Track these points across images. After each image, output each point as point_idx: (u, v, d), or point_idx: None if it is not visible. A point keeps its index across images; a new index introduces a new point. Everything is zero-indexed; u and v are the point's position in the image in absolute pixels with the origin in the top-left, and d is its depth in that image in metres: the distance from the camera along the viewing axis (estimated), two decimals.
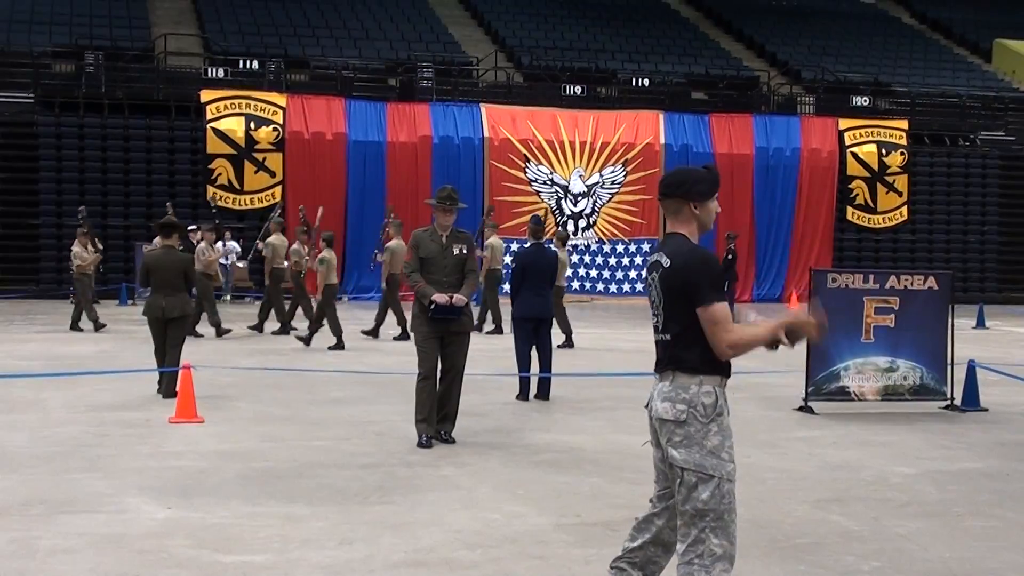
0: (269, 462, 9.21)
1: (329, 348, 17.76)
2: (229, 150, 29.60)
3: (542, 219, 14.69)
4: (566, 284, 19.97)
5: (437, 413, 10.11)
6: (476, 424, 11.07)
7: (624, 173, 31.94)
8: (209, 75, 31.90)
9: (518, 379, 13.06)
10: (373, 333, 19.58)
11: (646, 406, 5.07)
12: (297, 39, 36.08)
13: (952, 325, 12.83)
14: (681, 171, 5.17)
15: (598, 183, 31.84)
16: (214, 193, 28.92)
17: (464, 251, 10.22)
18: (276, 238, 20.47)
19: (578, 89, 33.91)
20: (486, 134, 30.99)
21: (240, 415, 11.55)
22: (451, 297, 9.91)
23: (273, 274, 20.27)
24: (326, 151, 29.92)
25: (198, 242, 20.25)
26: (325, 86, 32.35)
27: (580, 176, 31.73)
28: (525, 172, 31.34)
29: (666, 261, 4.94)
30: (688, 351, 4.88)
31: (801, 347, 6.08)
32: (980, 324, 24.77)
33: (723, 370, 4.95)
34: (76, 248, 21.40)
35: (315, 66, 34.07)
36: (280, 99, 30.19)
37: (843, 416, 12.13)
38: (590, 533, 7.21)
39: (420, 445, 9.88)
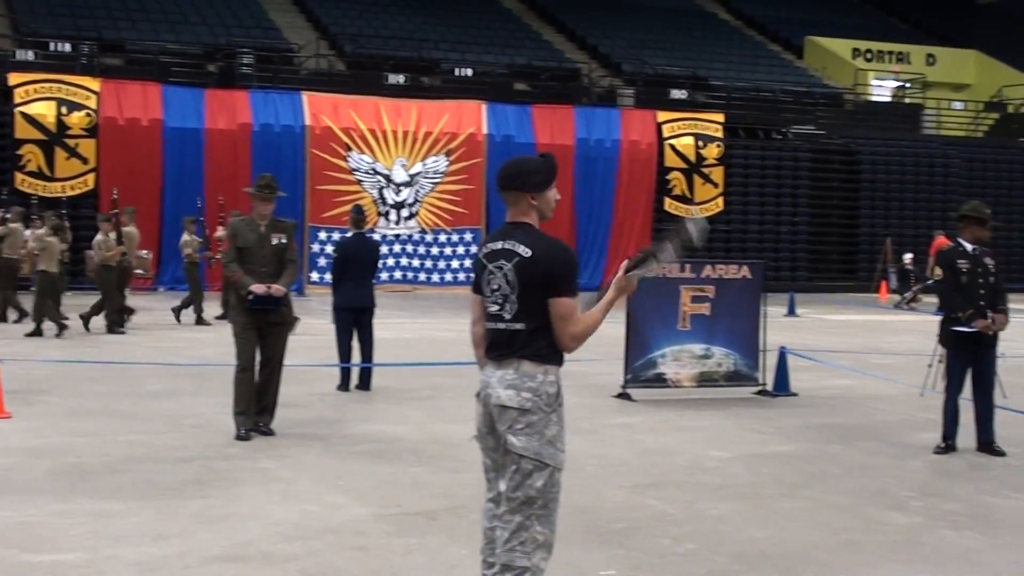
0: (81, 457, 8.96)
1: (27, 335, 17.48)
2: (39, 135, 28.61)
3: (363, 209, 14.59)
4: None
5: (256, 405, 9.97)
6: (296, 415, 10.95)
7: (447, 163, 31.97)
8: (17, 57, 30.79)
9: (339, 369, 12.99)
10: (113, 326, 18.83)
11: (477, 394, 5.07)
12: (112, 22, 35.08)
13: (764, 313, 13.21)
14: (517, 162, 5.11)
15: (420, 173, 31.80)
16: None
17: (284, 240, 10.09)
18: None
19: (401, 78, 33.79)
20: (307, 122, 30.64)
21: (51, 410, 11.19)
22: (269, 287, 9.78)
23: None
24: (142, 137, 29.15)
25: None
26: (141, 71, 31.54)
27: (403, 165, 31.65)
28: (347, 161, 31.11)
29: (525, 251, 4.91)
30: (538, 340, 4.92)
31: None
32: (791, 312, 25.49)
33: (562, 360, 5.01)
34: (99, 237, 19.71)
35: (130, 50, 33.19)
36: (94, 83, 29.32)
37: (660, 402, 12.38)
38: (411, 523, 7.21)
39: (238, 438, 9.74)
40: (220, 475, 8.43)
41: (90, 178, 28.77)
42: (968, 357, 9.91)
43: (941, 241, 28.12)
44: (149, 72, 31.28)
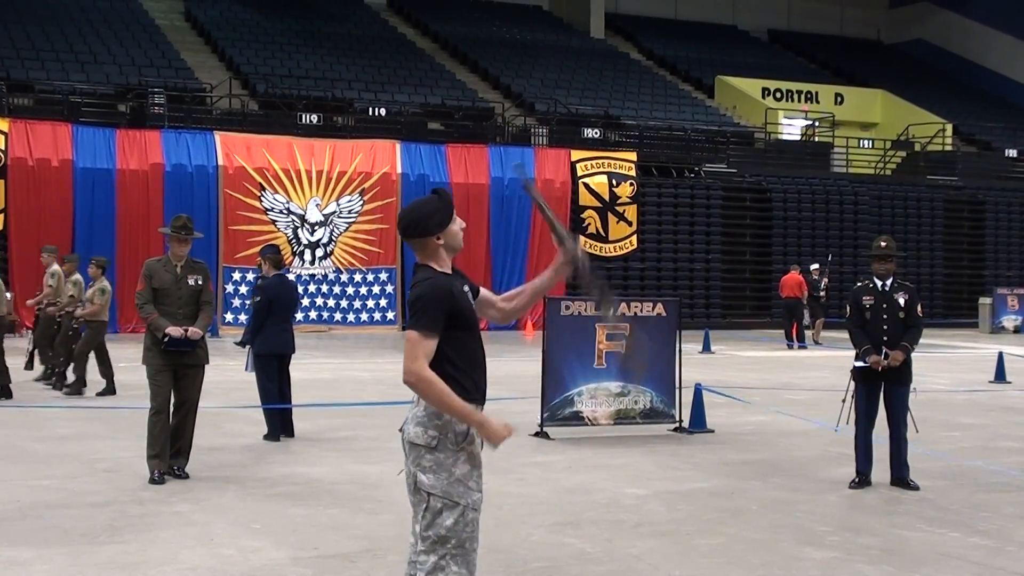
0: None
1: None
2: None
3: (279, 248, 14.31)
4: None
5: (170, 448, 9.85)
6: (211, 458, 10.82)
7: (361, 202, 31.89)
8: None
9: (267, 419, 12.30)
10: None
11: (400, 429, 5.07)
12: (20, 61, 34.61)
13: (680, 350, 13.30)
14: (413, 209, 5.03)
15: (335, 212, 31.70)
16: None
17: (200, 281, 10.03)
18: None
19: (314, 118, 33.71)
20: (220, 162, 30.40)
21: None
22: (186, 330, 9.70)
23: None
24: (52, 178, 28.73)
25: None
26: (51, 111, 31.13)
27: (317, 205, 31.52)
28: (261, 201, 30.90)
29: (410, 293, 4.98)
30: (443, 377, 4.88)
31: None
32: (706, 348, 25.69)
33: (478, 399, 4.99)
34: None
35: (40, 90, 32.73)
36: (2, 124, 28.85)
37: (577, 440, 12.40)
38: (328, 565, 7.15)
39: (152, 481, 9.60)
40: (134, 520, 8.29)
41: None
42: (878, 392, 10.08)
43: (793, 275, 28.40)
44: (59, 112, 30.90)
